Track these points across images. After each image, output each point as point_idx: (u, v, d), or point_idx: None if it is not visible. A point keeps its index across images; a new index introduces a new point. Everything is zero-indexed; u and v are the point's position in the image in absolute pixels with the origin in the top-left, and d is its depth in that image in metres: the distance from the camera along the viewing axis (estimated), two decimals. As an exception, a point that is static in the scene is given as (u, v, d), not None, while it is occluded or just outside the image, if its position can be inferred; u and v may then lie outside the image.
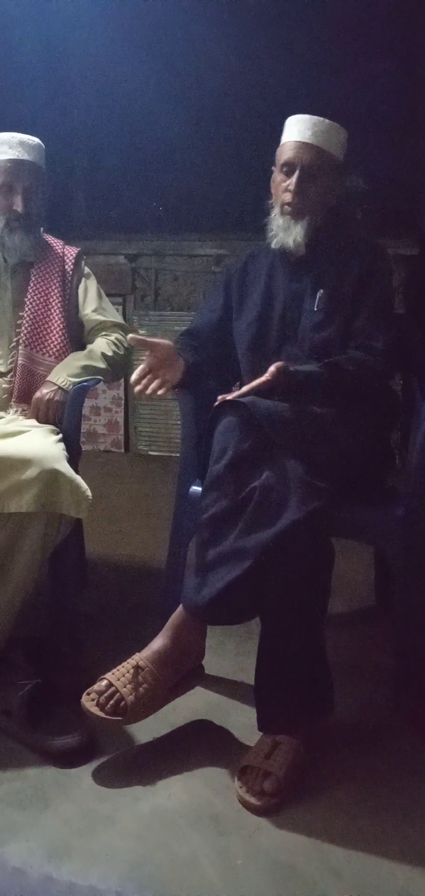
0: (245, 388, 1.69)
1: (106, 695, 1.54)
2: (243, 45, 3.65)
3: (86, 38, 3.79)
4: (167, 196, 3.98)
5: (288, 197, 1.84)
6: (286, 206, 1.84)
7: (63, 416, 1.95)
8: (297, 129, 1.85)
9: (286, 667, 1.55)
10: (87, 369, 2.02)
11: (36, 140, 2.08)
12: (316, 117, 1.84)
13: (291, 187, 1.82)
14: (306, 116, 1.85)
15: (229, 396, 1.68)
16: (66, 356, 2.07)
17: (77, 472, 1.80)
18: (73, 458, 1.87)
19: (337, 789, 1.52)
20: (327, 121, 1.85)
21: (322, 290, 1.84)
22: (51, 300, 2.11)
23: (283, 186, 1.85)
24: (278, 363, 1.67)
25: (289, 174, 1.84)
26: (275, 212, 1.88)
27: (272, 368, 1.66)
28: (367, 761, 1.60)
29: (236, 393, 1.71)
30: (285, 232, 1.84)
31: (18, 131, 2.07)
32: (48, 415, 1.95)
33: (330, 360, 1.73)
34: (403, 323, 2.15)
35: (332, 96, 3.46)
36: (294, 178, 1.82)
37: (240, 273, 1.99)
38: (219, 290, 2.03)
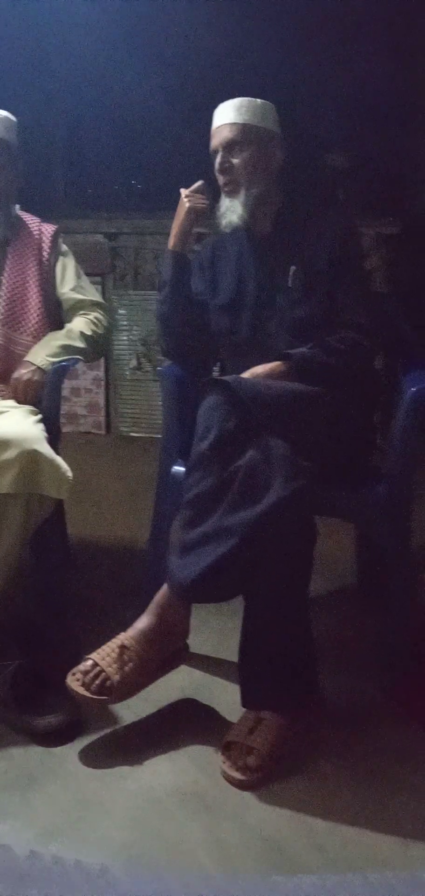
0: (256, 371, 1.70)
1: (91, 674, 1.53)
2: (225, 24, 3.60)
3: (65, 14, 3.71)
4: (146, 174, 3.93)
5: (221, 179, 1.89)
6: (224, 188, 1.89)
7: (42, 396, 1.93)
8: (217, 118, 1.89)
9: (269, 643, 1.55)
10: (65, 349, 2.00)
11: (3, 113, 2.03)
12: (236, 99, 1.87)
13: (218, 168, 1.88)
14: (225, 102, 1.88)
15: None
16: (44, 335, 2.04)
17: (57, 453, 1.79)
18: (53, 439, 1.86)
19: (322, 766, 1.53)
20: (247, 98, 1.87)
21: (294, 266, 1.85)
22: (28, 279, 2.08)
23: (216, 172, 1.90)
24: (292, 352, 1.70)
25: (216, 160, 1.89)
26: (222, 198, 1.92)
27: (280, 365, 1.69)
28: (351, 738, 1.61)
29: (244, 374, 1.71)
30: (229, 211, 1.88)
31: (-4, 107, 2.03)
32: (27, 395, 1.93)
33: (320, 341, 1.74)
34: (386, 302, 2.15)
35: (317, 78, 3.45)
36: (218, 159, 1.87)
37: (209, 259, 2.01)
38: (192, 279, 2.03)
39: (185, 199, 1.93)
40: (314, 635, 1.62)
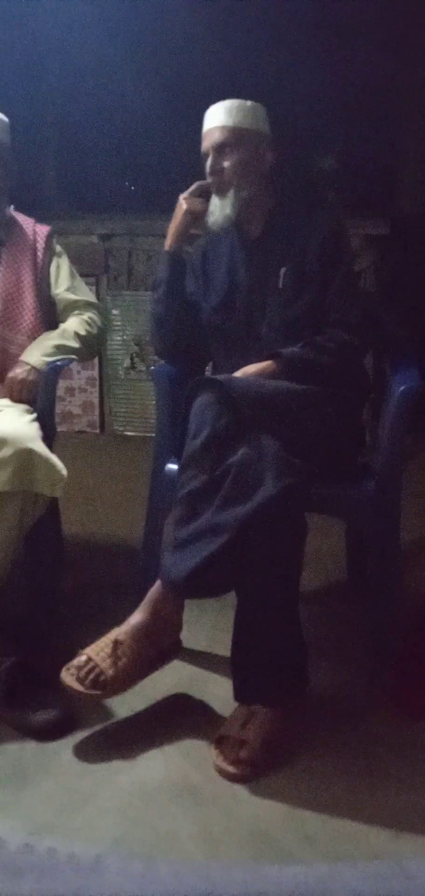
0: (248, 370, 1.72)
1: (85, 669, 1.55)
2: (218, 26, 3.61)
3: (59, 15, 3.72)
4: (140, 175, 3.94)
5: (211, 180, 1.91)
6: (213, 188, 1.91)
7: (37, 395, 1.95)
8: (208, 120, 1.91)
9: (261, 638, 1.57)
10: (60, 349, 2.02)
11: None
12: (226, 101, 1.89)
13: (209, 171, 1.90)
14: (214, 105, 1.90)
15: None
16: (38, 335, 2.05)
17: (52, 452, 1.80)
18: (48, 438, 1.87)
19: (313, 759, 1.55)
20: (238, 100, 1.89)
21: (285, 268, 1.86)
22: (22, 279, 2.09)
23: (207, 174, 1.92)
24: (283, 351, 1.72)
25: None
26: (212, 198, 1.94)
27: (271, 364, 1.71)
28: (342, 732, 1.63)
29: (236, 373, 1.73)
30: (219, 210, 1.90)
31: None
32: (22, 394, 1.94)
33: (311, 340, 1.76)
34: (374, 302, 2.17)
35: (307, 80, 3.46)
36: (209, 161, 1.89)
37: (200, 260, 2.02)
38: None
39: (183, 201, 1.95)
40: (305, 630, 1.64)
